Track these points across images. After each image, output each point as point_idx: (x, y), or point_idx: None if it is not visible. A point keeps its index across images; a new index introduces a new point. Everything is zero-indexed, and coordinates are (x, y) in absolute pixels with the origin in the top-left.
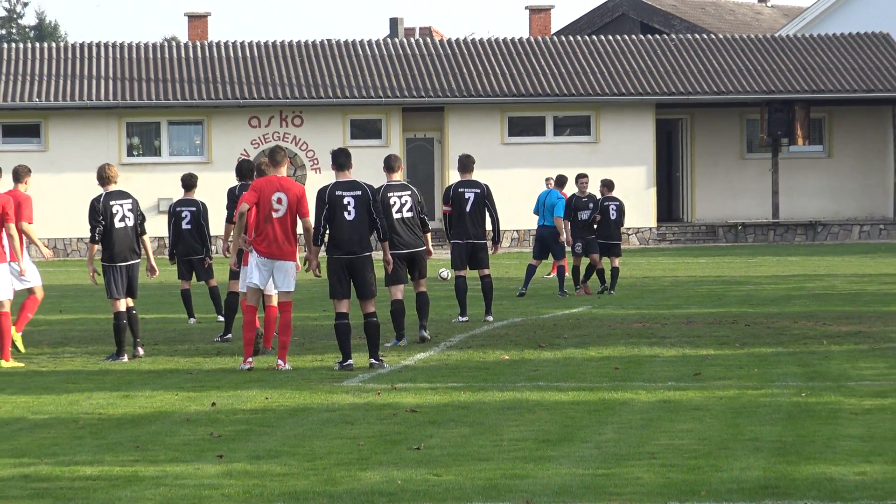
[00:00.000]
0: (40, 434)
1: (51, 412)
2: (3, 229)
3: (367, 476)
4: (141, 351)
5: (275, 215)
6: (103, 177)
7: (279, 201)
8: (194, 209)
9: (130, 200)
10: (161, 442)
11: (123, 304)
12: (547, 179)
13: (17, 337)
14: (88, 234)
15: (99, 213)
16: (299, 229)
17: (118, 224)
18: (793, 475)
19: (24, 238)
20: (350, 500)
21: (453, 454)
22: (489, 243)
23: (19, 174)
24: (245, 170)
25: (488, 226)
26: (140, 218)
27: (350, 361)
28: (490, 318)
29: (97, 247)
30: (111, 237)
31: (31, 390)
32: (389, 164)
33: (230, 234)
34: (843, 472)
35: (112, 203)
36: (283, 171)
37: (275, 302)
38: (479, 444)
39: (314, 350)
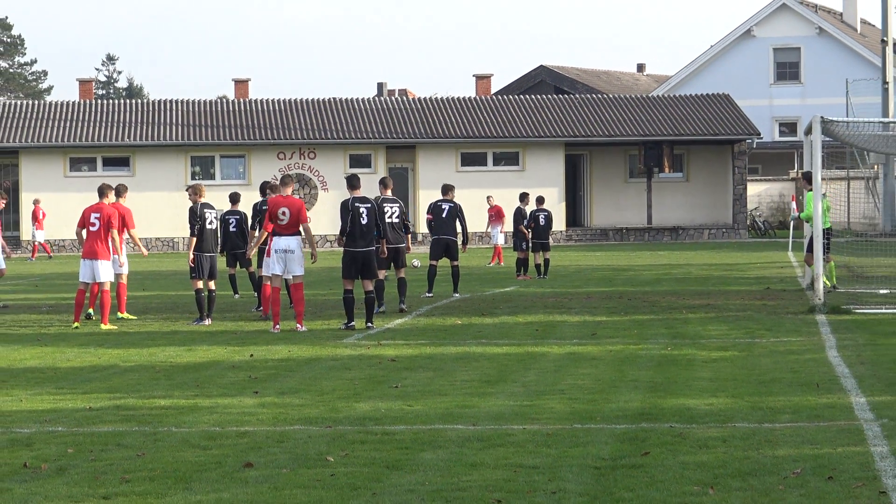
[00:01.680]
0: (128, 376)
1: (136, 361)
2: (109, 233)
3: (360, 406)
4: (209, 321)
5: (280, 223)
6: (197, 191)
7: (283, 213)
8: (238, 217)
9: (216, 210)
10: (214, 382)
11: (202, 283)
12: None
13: (127, 315)
14: (189, 232)
15: (197, 215)
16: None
17: (208, 226)
18: (661, 405)
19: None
20: (348, 423)
21: (421, 391)
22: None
23: (120, 191)
24: (264, 189)
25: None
26: (227, 222)
27: (353, 323)
28: (457, 295)
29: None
30: (203, 234)
31: (121, 345)
32: (384, 183)
33: (253, 238)
34: (697, 403)
35: (205, 210)
36: (289, 191)
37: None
38: (439, 383)
39: (323, 317)
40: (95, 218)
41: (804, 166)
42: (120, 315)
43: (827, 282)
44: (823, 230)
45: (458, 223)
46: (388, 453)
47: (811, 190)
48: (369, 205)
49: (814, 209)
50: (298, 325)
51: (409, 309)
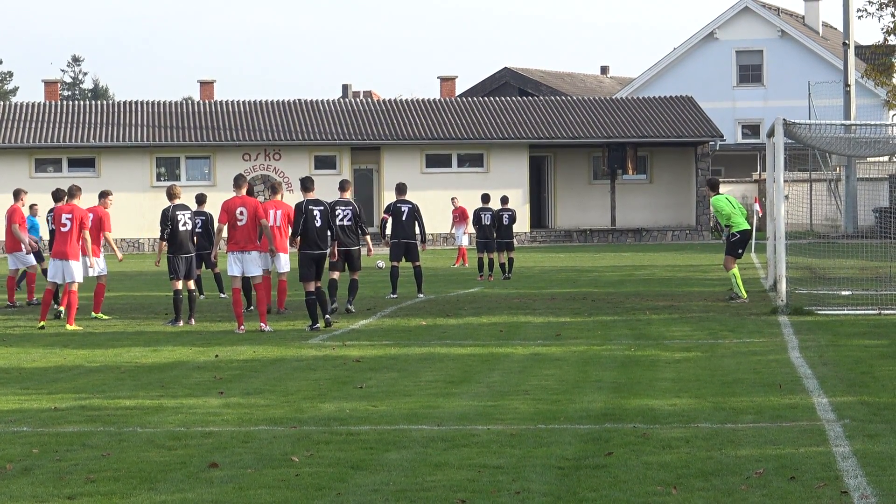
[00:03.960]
0: (93, 377)
1: (101, 361)
2: (81, 234)
3: (325, 407)
4: (192, 321)
5: (239, 224)
6: (171, 193)
7: (241, 213)
8: (204, 218)
9: (190, 211)
10: (179, 382)
11: (181, 284)
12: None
13: (101, 315)
14: (159, 234)
15: (168, 219)
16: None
17: (181, 227)
18: (625, 406)
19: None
20: (313, 423)
21: (386, 391)
22: (418, 243)
23: (104, 195)
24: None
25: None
26: (195, 223)
27: (317, 325)
28: (421, 296)
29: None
30: (176, 236)
31: (87, 346)
32: (342, 186)
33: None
34: (660, 403)
35: (177, 212)
36: (243, 191)
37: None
38: (404, 384)
39: (288, 318)
40: (67, 219)
41: (767, 168)
42: (94, 315)
43: (741, 292)
44: (740, 231)
45: (416, 224)
46: (353, 453)
47: (716, 195)
48: (322, 207)
49: (776, 210)
50: (263, 325)
51: (373, 309)
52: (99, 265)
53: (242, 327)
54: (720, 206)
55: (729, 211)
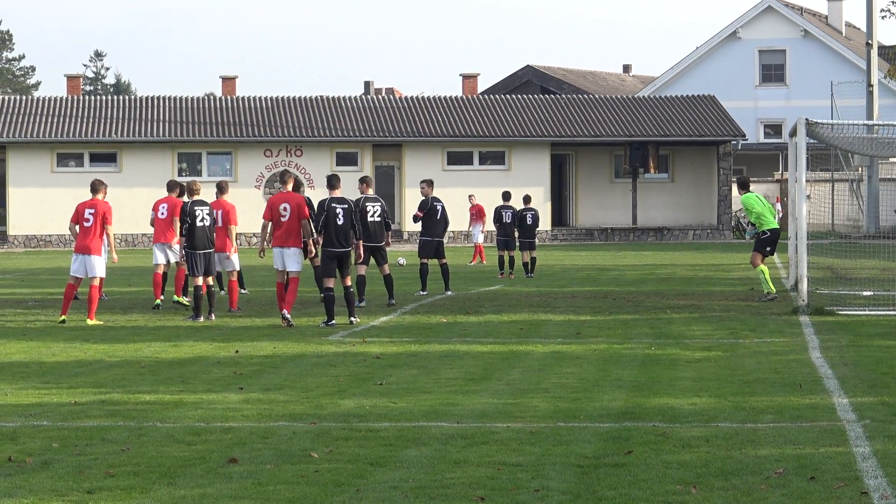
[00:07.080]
0: (114, 372)
1: (121, 356)
2: (104, 229)
3: (345, 403)
4: (213, 316)
5: (282, 220)
6: (191, 189)
7: (284, 210)
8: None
9: (208, 207)
10: (199, 378)
11: (202, 280)
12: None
13: (182, 299)
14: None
15: (186, 214)
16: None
17: (199, 223)
18: (645, 405)
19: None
20: (333, 420)
21: (406, 388)
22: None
23: (172, 187)
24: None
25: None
26: (213, 219)
27: (333, 321)
28: (450, 293)
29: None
30: (193, 232)
31: (107, 340)
32: (367, 182)
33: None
34: (680, 402)
35: (195, 208)
36: (289, 187)
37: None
38: (424, 381)
39: (309, 314)
40: (90, 214)
41: (789, 168)
42: (176, 298)
43: (770, 287)
44: (769, 230)
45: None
46: (372, 450)
47: (745, 193)
48: (346, 205)
49: (798, 210)
50: (285, 311)
51: (394, 306)
52: (176, 252)
53: (285, 311)
54: (751, 203)
55: (760, 209)
